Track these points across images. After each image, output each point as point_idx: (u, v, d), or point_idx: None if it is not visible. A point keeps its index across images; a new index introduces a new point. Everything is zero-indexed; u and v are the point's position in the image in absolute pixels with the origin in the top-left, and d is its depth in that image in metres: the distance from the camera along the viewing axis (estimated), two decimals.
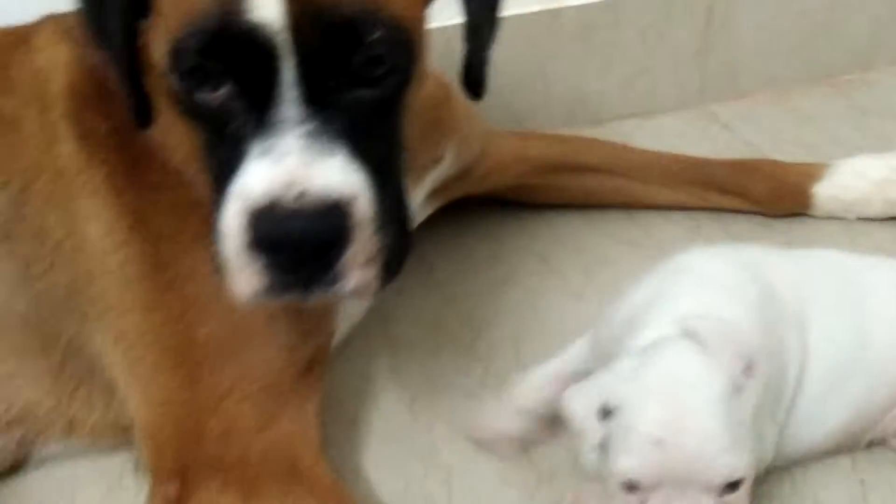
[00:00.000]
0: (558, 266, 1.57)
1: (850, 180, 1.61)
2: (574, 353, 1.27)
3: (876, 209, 1.61)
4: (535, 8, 1.81)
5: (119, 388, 1.23)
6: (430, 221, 1.52)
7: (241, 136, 0.99)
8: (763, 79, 1.97)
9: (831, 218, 1.62)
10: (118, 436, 1.28)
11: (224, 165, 1.01)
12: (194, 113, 1.04)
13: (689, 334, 1.04)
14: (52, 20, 1.31)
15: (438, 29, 1.14)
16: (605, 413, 1.01)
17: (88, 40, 1.14)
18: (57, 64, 1.25)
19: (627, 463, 0.98)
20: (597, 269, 1.56)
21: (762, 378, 1.02)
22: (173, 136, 1.20)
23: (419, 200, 1.41)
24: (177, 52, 1.00)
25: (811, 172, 1.63)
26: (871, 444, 1.20)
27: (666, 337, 1.06)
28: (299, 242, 0.98)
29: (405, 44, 1.04)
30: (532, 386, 1.24)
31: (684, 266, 1.20)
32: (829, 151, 1.70)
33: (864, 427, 1.19)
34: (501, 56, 1.49)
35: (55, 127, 1.23)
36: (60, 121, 1.23)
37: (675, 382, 1.01)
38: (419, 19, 1.09)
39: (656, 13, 1.86)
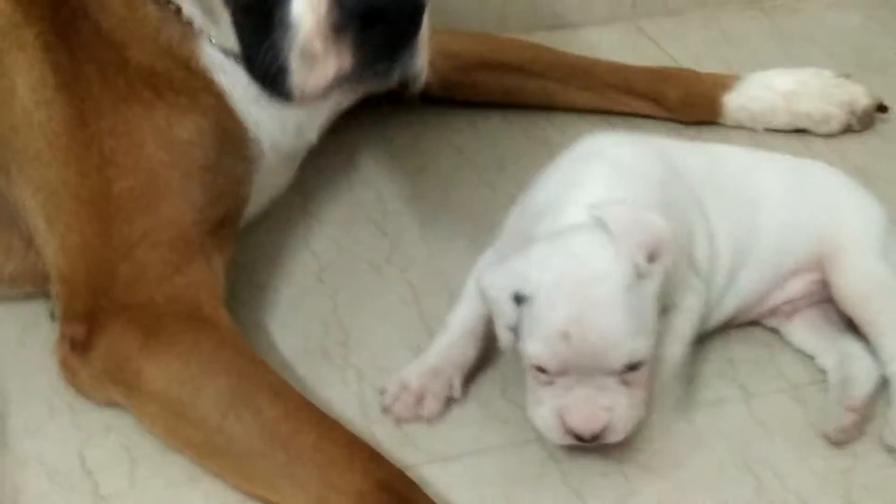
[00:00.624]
0: (473, 157, 1.61)
1: (759, 91, 1.66)
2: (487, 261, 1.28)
3: (782, 120, 1.67)
4: None
5: (37, 236, 1.26)
6: (355, 110, 1.53)
7: None
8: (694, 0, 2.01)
9: (740, 127, 1.68)
10: (35, 284, 1.32)
11: None
12: None
13: (597, 222, 1.06)
14: None
15: None
16: (518, 299, 1.04)
17: None
18: None
19: (536, 350, 1.03)
20: (510, 163, 1.60)
21: (667, 261, 1.05)
22: (107, 3, 1.22)
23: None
24: None
25: (723, 83, 1.68)
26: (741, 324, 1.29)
27: (575, 224, 1.09)
28: (394, 8, 1.01)
29: None
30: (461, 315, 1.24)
31: (595, 150, 1.22)
32: (748, 69, 1.74)
33: (748, 309, 1.28)
34: None
35: None
36: None
37: (582, 274, 1.03)
38: None
39: None
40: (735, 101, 1.67)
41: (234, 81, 1.26)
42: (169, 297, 1.18)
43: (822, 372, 1.25)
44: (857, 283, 1.25)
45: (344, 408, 1.21)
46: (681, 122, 1.70)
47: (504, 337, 1.07)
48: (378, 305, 1.36)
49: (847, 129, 1.68)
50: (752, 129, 1.68)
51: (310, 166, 1.48)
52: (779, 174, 1.32)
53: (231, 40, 1.22)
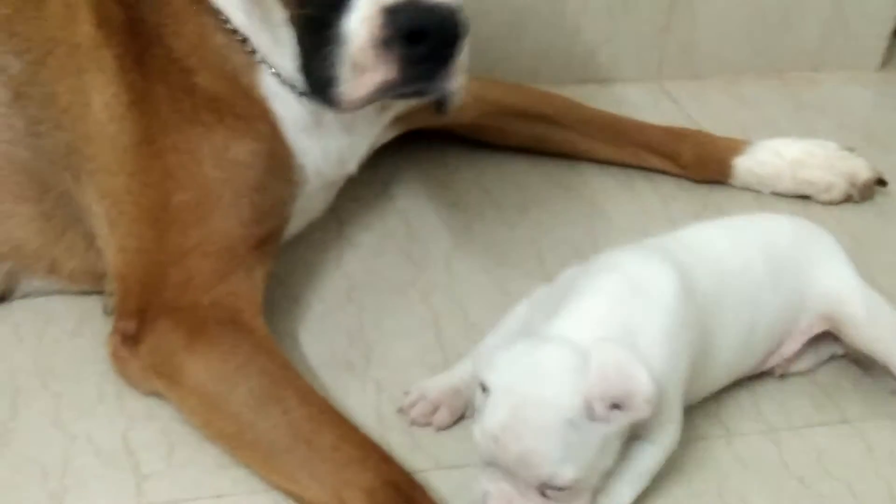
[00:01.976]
0: (498, 199, 1.66)
1: (767, 157, 1.71)
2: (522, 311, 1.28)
3: (786, 186, 1.71)
4: None
5: (99, 238, 1.33)
6: (392, 146, 1.61)
7: None
8: (717, 65, 2.04)
9: (747, 189, 1.72)
10: (92, 282, 1.39)
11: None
12: None
13: (581, 349, 1.04)
14: None
15: None
16: (482, 387, 1.05)
17: None
18: None
19: (476, 437, 1.04)
20: (532, 206, 1.65)
21: (634, 416, 1.02)
22: (182, 32, 1.30)
23: (385, 122, 1.49)
24: None
25: (735, 146, 1.72)
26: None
27: (558, 338, 1.07)
28: (441, 30, 1.08)
29: None
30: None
31: (615, 264, 1.18)
32: (761, 135, 1.77)
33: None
34: (481, 5, 1.58)
35: (77, 10, 1.31)
36: (82, 5, 1.31)
37: (531, 392, 1.02)
38: None
39: None
40: (744, 165, 1.71)
41: (288, 111, 1.33)
42: (213, 302, 1.23)
43: (800, 417, 1.30)
44: (869, 329, 1.29)
45: (362, 415, 1.25)
46: (693, 181, 1.74)
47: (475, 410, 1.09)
48: (400, 326, 1.41)
49: (847, 199, 1.71)
50: (758, 192, 1.72)
51: (347, 194, 1.54)
52: (760, 253, 1.30)
53: (289, 69, 1.29)
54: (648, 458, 1.14)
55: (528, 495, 1.03)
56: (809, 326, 1.32)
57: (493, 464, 1.04)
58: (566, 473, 1.00)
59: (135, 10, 1.32)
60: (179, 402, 1.24)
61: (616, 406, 1.01)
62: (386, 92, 1.15)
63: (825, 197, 1.72)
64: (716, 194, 1.73)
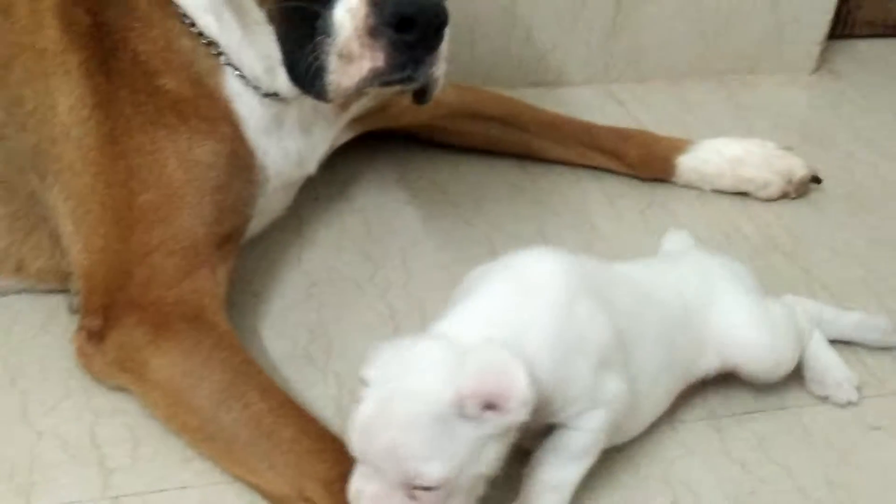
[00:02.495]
0: (454, 197, 1.66)
1: (708, 156, 1.71)
2: None
3: (727, 183, 1.72)
4: None
5: (64, 237, 1.31)
6: (350, 146, 1.61)
7: None
8: (660, 68, 2.05)
9: (689, 186, 1.73)
10: (58, 281, 1.36)
11: None
12: None
13: (460, 346, 0.99)
14: None
15: None
16: (362, 382, 1.01)
17: None
18: None
19: (349, 432, 0.99)
20: (486, 204, 1.65)
21: (509, 418, 0.95)
22: (147, 36, 1.27)
23: (342, 125, 1.48)
24: None
25: (678, 146, 1.73)
26: None
27: (438, 335, 1.03)
28: (427, 18, 1.08)
29: None
30: None
31: (516, 269, 1.12)
32: (703, 135, 1.78)
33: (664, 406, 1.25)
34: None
35: (43, 15, 1.28)
36: (48, 11, 1.29)
37: (401, 386, 0.97)
38: None
39: (574, 1, 1.94)
40: (687, 163, 1.72)
41: (250, 112, 1.32)
42: (177, 299, 1.22)
43: (741, 405, 1.31)
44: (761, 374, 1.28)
45: (322, 407, 1.25)
46: (638, 178, 1.74)
47: None
48: (358, 320, 1.40)
49: (784, 196, 1.73)
50: (699, 189, 1.73)
51: (307, 194, 1.53)
52: (680, 291, 1.26)
53: (255, 70, 1.28)
54: (575, 440, 1.10)
55: (397, 496, 0.96)
56: (707, 368, 1.28)
57: (364, 461, 0.98)
58: (433, 471, 0.94)
59: (100, 15, 1.30)
60: (144, 397, 1.22)
61: (490, 407, 0.95)
62: (373, 80, 1.13)
63: (763, 193, 1.73)
64: (660, 191, 1.73)
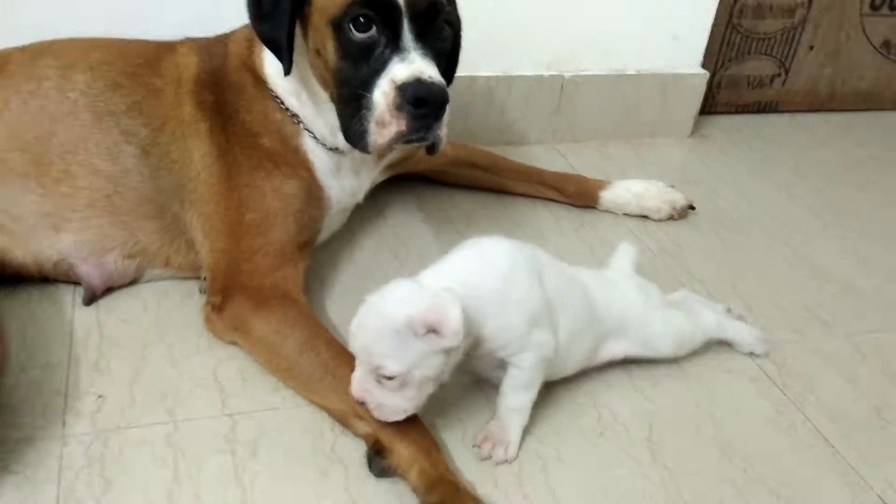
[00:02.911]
0: (451, 217, 1.65)
1: (620, 192, 1.70)
2: None
3: (633, 209, 1.71)
4: (484, 73, 1.88)
5: (196, 243, 1.32)
6: (385, 185, 1.60)
7: (381, 57, 1.12)
8: (590, 134, 2.03)
9: (608, 211, 1.72)
10: (193, 271, 1.37)
11: (368, 75, 1.12)
12: (351, 48, 1.13)
13: (426, 289, 0.98)
14: (189, 40, 1.38)
15: None
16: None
17: (255, 23, 1.19)
18: (189, 63, 1.34)
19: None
20: (475, 221, 1.64)
21: (445, 341, 0.95)
22: (252, 110, 1.28)
23: (380, 169, 1.48)
24: (348, 7, 1.12)
25: (600, 184, 1.72)
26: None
27: (415, 280, 1.02)
28: (434, 99, 1.10)
29: (457, 17, 1.20)
30: None
31: (479, 244, 1.10)
32: (616, 177, 1.75)
33: (586, 362, 1.20)
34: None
35: (183, 96, 1.31)
36: (186, 94, 1.31)
37: (377, 308, 0.98)
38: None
39: (530, 87, 1.93)
40: (606, 196, 1.70)
41: (320, 161, 1.32)
42: (271, 284, 1.23)
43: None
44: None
45: None
46: (573, 206, 1.72)
47: None
48: None
49: (670, 218, 1.71)
50: (615, 213, 1.72)
51: (356, 216, 1.53)
52: (597, 283, 1.21)
53: (322, 132, 1.28)
54: (515, 375, 1.08)
55: (370, 380, 0.99)
56: (608, 354, 1.22)
57: (356, 355, 1.01)
58: (391, 366, 0.96)
59: (221, 95, 1.31)
60: (249, 349, 1.22)
61: (432, 331, 0.96)
62: (399, 139, 1.14)
63: (657, 216, 1.72)
64: (588, 215, 1.72)
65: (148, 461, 1.06)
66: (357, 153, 1.28)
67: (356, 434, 1.11)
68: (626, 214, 1.73)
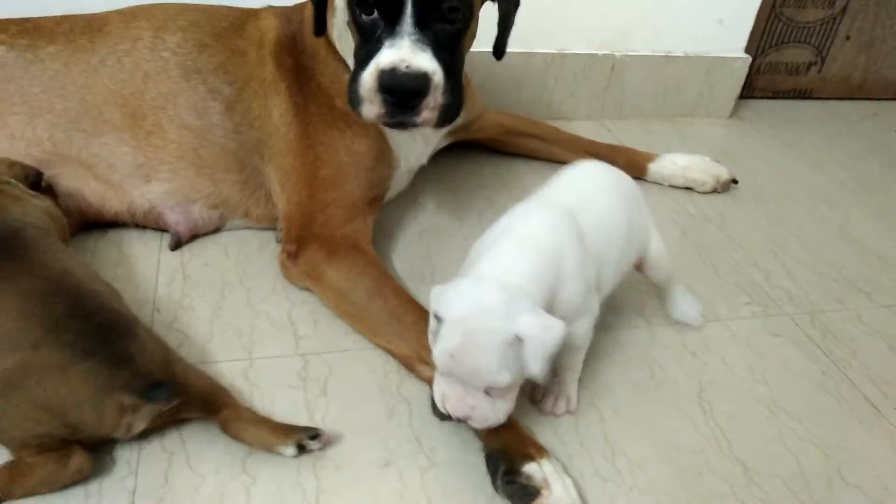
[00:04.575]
0: (512, 185, 1.56)
1: (667, 164, 1.62)
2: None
3: (678, 182, 1.62)
4: (540, 49, 1.78)
5: (274, 195, 1.27)
6: (447, 151, 1.53)
7: (379, 38, 1.02)
8: (636, 112, 1.94)
9: (655, 183, 1.63)
10: (269, 221, 1.32)
11: (368, 53, 1.04)
12: (359, 26, 1.06)
13: (505, 286, 0.85)
14: (270, 7, 1.33)
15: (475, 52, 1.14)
16: (437, 317, 0.86)
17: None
18: (270, 27, 1.28)
19: (436, 355, 0.86)
20: (529, 187, 1.47)
21: (535, 349, 0.83)
22: (326, 73, 1.23)
23: (440, 135, 1.40)
24: None
25: (648, 156, 1.63)
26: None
27: (488, 278, 0.86)
28: (402, 91, 1.00)
29: (469, 1, 1.07)
30: None
31: (513, 226, 0.94)
32: (663, 151, 1.68)
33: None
34: (506, 74, 1.46)
35: (265, 58, 1.26)
36: (268, 55, 1.26)
37: (479, 324, 0.83)
38: None
39: (583, 65, 1.84)
40: (654, 168, 1.63)
41: None
42: (343, 235, 1.17)
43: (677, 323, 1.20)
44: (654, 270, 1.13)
45: (427, 303, 1.15)
46: None
47: (430, 338, 0.90)
48: (449, 255, 1.32)
49: (714, 191, 1.63)
50: (661, 185, 1.63)
51: (420, 177, 1.46)
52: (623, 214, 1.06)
53: None
54: (573, 340, 0.98)
55: (475, 394, 0.87)
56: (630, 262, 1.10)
57: (448, 374, 0.86)
58: (504, 378, 0.84)
59: (299, 58, 1.25)
60: (321, 295, 1.17)
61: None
62: (380, 119, 1.04)
63: (701, 189, 1.63)
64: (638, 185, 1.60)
65: None
66: None
67: (420, 378, 1.06)
68: (671, 186, 1.64)
